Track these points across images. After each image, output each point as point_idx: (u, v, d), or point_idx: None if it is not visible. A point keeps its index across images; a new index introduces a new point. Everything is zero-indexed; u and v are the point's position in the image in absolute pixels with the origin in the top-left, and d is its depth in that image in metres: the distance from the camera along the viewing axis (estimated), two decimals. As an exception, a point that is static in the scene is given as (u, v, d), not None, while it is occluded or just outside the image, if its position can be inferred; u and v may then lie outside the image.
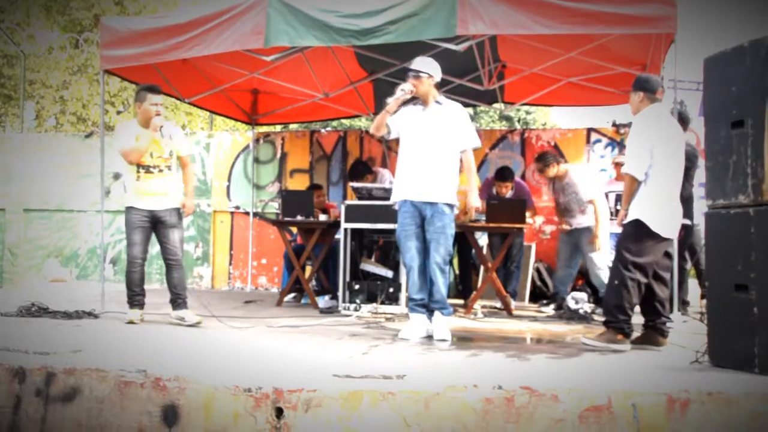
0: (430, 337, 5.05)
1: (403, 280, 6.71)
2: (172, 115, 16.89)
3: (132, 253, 5.60)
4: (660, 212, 4.65)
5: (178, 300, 5.67)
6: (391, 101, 5.12)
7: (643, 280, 4.61)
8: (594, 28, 5.17)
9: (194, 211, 6.20)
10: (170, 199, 5.67)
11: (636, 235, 4.63)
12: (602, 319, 4.92)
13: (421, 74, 5.11)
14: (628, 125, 8.85)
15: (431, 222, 5.07)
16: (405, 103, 5.21)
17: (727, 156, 3.82)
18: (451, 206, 5.12)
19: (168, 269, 5.72)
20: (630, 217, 4.66)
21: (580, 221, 6.99)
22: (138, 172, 5.55)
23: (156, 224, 5.64)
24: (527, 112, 20.15)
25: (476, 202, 5.35)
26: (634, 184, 4.66)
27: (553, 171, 7.09)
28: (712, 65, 4.00)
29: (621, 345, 4.60)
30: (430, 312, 5.14)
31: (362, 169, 7.85)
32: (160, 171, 5.62)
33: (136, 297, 5.65)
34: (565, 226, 7.17)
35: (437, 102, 5.20)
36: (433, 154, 5.12)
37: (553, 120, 21.41)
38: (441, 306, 5.09)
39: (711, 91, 4.03)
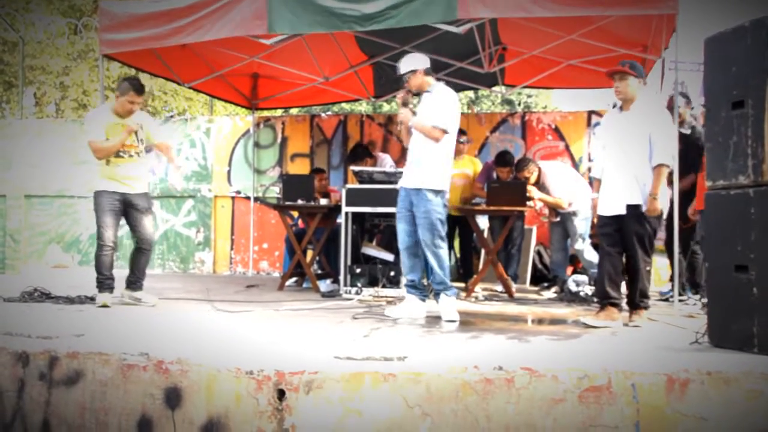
0: (436, 318, 5.12)
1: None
2: (172, 100, 16.86)
3: (104, 236, 5.58)
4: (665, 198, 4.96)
5: (138, 282, 5.77)
6: (402, 120, 5.32)
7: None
8: (594, 10, 5.17)
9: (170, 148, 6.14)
10: (140, 183, 5.73)
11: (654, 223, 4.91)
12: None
13: (404, 77, 5.26)
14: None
15: (417, 207, 5.21)
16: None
17: (728, 137, 3.81)
18: (436, 192, 5.19)
19: (138, 252, 5.77)
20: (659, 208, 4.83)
21: (566, 208, 7.09)
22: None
23: (127, 208, 5.65)
24: (528, 96, 20.09)
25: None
26: (666, 173, 4.84)
27: (528, 174, 7.28)
28: (713, 46, 3.98)
29: (617, 321, 4.83)
30: (436, 294, 5.27)
31: (361, 152, 7.85)
32: (130, 156, 5.63)
33: (106, 281, 5.62)
34: (552, 218, 7.33)
35: (427, 91, 5.27)
36: (417, 142, 5.24)
37: (554, 103, 21.35)
38: (444, 287, 5.19)
39: (711, 71, 4.01)
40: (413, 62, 5.28)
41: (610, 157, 5.03)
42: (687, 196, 6.15)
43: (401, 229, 5.33)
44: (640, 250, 4.83)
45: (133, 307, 5.58)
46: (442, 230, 5.24)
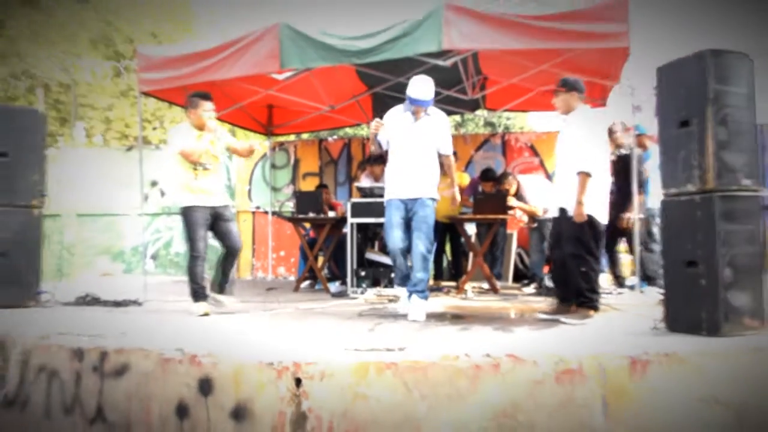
0: (431, 314, 5.00)
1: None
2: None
3: (198, 248, 5.18)
4: (603, 205, 4.70)
5: (224, 285, 5.41)
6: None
7: (597, 264, 4.69)
8: (560, 44, 5.18)
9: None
10: (224, 195, 5.45)
11: (592, 227, 4.62)
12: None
13: (431, 100, 5.06)
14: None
15: (416, 212, 5.03)
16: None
17: (677, 151, 3.82)
18: (433, 200, 5.12)
19: (228, 258, 5.39)
20: (585, 214, 4.59)
21: (542, 215, 7.10)
22: (195, 170, 5.19)
23: (215, 220, 5.27)
24: (507, 118, 20.03)
25: (458, 197, 5.65)
26: (589, 180, 4.54)
27: (508, 186, 7.38)
28: (664, 73, 3.99)
29: (591, 319, 4.62)
30: (410, 293, 5.00)
31: (378, 158, 7.69)
32: (214, 169, 5.31)
33: (201, 290, 5.24)
34: (530, 224, 7.35)
35: (426, 113, 5.14)
36: (422, 157, 5.11)
37: (530, 124, 21.33)
38: (420, 290, 4.95)
39: (662, 95, 4.02)
40: (432, 88, 5.08)
41: (557, 164, 4.94)
42: (620, 206, 6.30)
43: (397, 235, 5.05)
44: (572, 251, 4.62)
45: (170, 308, 5.54)
46: (433, 237, 5.14)
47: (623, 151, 6.54)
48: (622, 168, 6.36)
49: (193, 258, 5.19)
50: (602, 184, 4.71)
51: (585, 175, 4.54)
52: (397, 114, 5.20)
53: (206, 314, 5.13)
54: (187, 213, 5.20)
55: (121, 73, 15.17)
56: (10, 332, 4.07)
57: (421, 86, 5.02)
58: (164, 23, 17.77)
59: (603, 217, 4.71)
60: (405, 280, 5.14)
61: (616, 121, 6.78)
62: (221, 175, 5.44)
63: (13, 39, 16.54)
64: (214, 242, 5.55)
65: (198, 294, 5.24)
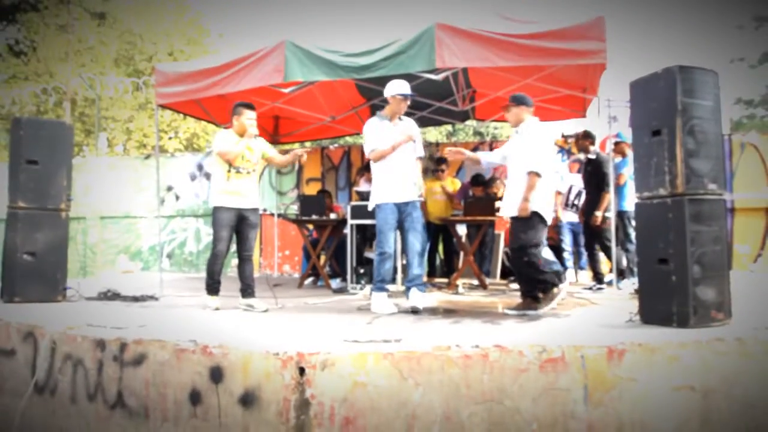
0: (408, 310, 4.88)
1: (399, 264, 6.72)
2: (212, 138, 16.95)
3: (220, 248, 5.09)
4: (547, 204, 4.72)
5: (248, 290, 5.24)
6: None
7: (543, 255, 4.71)
8: (543, 60, 5.17)
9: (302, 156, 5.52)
10: (254, 199, 5.27)
11: (537, 223, 4.64)
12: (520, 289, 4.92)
13: (408, 97, 5.11)
14: (574, 136, 8.93)
15: (410, 214, 5.01)
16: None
17: (650, 158, 3.83)
18: (421, 202, 5.16)
19: (242, 261, 5.26)
20: (530, 209, 4.61)
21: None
22: (229, 172, 5.13)
23: (240, 221, 5.17)
24: (495, 128, 20.06)
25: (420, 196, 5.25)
26: (537, 180, 4.60)
27: (496, 190, 7.46)
28: (636, 87, 4.00)
29: (536, 310, 4.61)
30: (407, 289, 4.99)
31: None
32: (248, 173, 5.22)
33: (216, 285, 5.21)
34: None
35: (400, 118, 5.19)
36: (407, 160, 5.09)
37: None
38: (420, 283, 4.96)
39: (635, 107, 4.03)
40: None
41: (508, 172, 4.93)
42: (593, 206, 6.47)
43: (392, 237, 4.99)
44: (518, 246, 4.65)
45: (184, 303, 5.53)
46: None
47: (590, 156, 6.62)
48: (593, 171, 6.52)
49: (214, 256, 5.15)
50: (549, 185, 4.76)
51: (534, 175, 4.60)
52: (377, 124, 5.18)
53: (218, 309, 5.11)
54: (214, 212, 5.15)
55: (140, 88, 15.22)
56: (39, 324, 4.07)
57: (404, 83, 5.16)
58: (178, 37, 17.89)
59: (548, 215, 4.73)
60: (387, 281, 5.06)
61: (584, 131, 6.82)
62: (254, 180, 5.30)
63: (46, 60, 16.74)
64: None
65: (213, 289, 5.22)
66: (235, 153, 5.09)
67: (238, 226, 5.20)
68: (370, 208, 5.25)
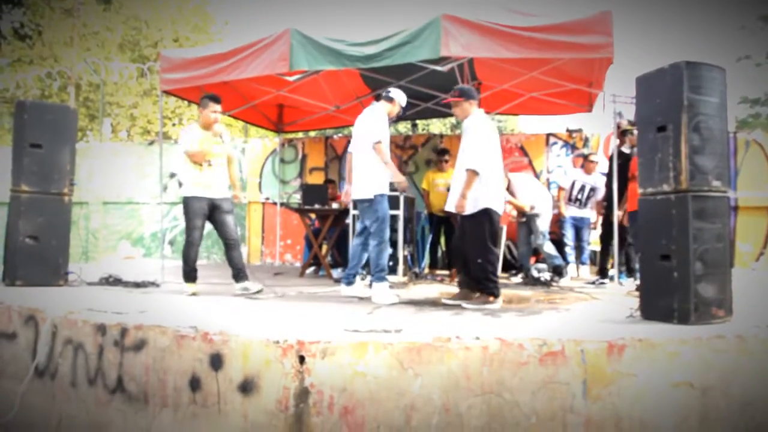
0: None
1: (400, 254, 6.72)
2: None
3: (194, 236, 5.24)
4: (498, 200, 4.65)
5: (240, 274, 5.39)
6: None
7: (498, 252, 4.60)
8: (549, 53, 5.14)
9: (239, 199, 5.82)
10: (224, 188, 5.40)
11: (489, 219, 4.58)
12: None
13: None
14: (578, 130, 8.87)
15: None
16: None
17: (654, 153, 3.81)
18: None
19: (228, 248, 5.39)
20: (479, 207, 4.55)
21: (529, 211, 7.07)
22: (201, 166, 5.24)
23: (213, 210, 5.30)
24: (499, 121, 20.04)
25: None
26: (475, 178, 4.53)
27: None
28: (642, 83, 3.97)
29: (493, 305, 4.56)
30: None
31: None
32: (219, 165, 5.34)
33: (193, 272, 5.32)
34: (518, 219, 7.26)
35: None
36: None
37: (520, 127, 21.31)
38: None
39: (641, 102, 4.00)
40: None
41: (456, 167, 4.81)
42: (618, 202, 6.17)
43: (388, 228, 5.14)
44: (470, 244, 4.61)
45: (185, 289, 5.53)
46: None
47: (624, 149, 6.36)
48: (623, 164, 6.22)
49: (188, 244, 5.28)
50: (497, 180, 4.68)
51: (471, 173, 4.53)
52: (384, 117, 5.21)
53: (194, 294, 5.22)
54: (187, 203, 5.25)
55: (145, 74, 15.20)
56: (40, 308, 4.07)
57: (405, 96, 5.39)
58: (183, 24, 17.84)
59: (499, 210, 4.67)
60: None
61: (623, 121, 6.52)
62: (224, 171, 5.42)
63: (51, 44, 16.70)
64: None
65: (189, 276, 5.32)
66: (200, 156, 5.21)
67: (213, 215, 5.33)
68: (365, 196, 5.15)
